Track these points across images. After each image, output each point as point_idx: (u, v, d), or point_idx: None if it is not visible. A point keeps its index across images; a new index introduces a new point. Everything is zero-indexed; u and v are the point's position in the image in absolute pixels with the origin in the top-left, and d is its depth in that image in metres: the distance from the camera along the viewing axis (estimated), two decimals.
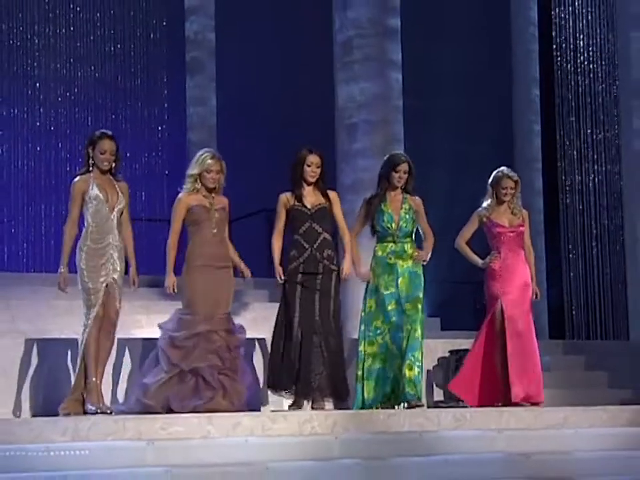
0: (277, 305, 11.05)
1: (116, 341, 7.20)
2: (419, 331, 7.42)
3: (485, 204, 7.95)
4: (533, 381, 7.74)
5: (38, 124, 14.79)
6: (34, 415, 7.48)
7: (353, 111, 10.58)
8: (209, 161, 7.03)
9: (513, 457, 6.92)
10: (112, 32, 15.10)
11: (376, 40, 10.55)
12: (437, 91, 15.00)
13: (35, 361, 7.67)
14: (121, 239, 6.93)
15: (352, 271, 7.52)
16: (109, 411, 6.72)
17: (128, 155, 14.86)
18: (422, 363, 7.48)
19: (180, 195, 7.11)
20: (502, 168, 8.09)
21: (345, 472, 6.28)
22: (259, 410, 7.26)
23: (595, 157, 14.82)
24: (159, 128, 15.22)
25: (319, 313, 7.24)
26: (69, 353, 7.61)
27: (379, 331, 7.50)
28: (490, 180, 7.98)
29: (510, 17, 15.42)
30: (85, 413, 6.74)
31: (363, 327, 7.59)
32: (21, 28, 14.78)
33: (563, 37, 15.38)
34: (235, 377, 6.95)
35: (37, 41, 14.87)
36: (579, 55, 15.17)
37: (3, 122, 14.61)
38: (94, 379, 6.74)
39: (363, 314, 7.64)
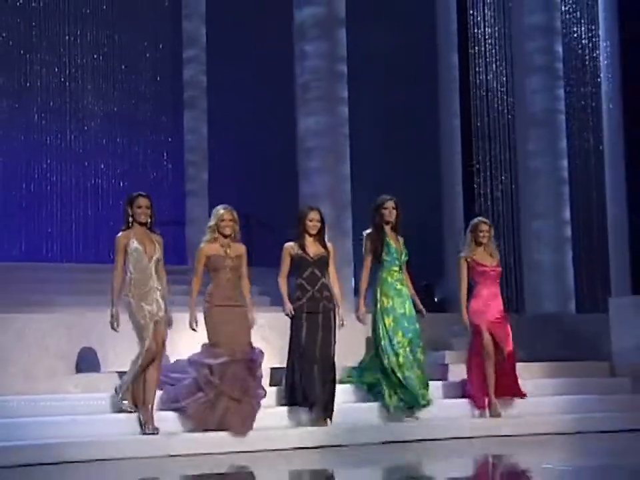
0: (259, 290, 11.10)
1: None
2: (423, 347, 7.18)
3: (465, 249, 7.57)
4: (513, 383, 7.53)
5: (69, 148, 14.75)
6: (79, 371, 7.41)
7: (310, 138, 10.53)
8: (221, 212, 6.67)
9: None
10: (127, 76, 15.05)
11: (327, 82, 10.50)
12: (377, 123, 15.04)
13: (74, 331, 7.68)
14: (160, 283, 6.48)
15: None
16: (156, 432, 6.21)
17: (140, 170, 14.97)
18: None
19: (201, 246, 6.71)
20: (477, 217, 7.87)
21: None
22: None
23: (502, 172, 14.91)
24: (163, 151, 15.18)
25: (320, 345, 6.76)
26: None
27: (400, 344, 7.02)
28: (468, 227, 7.65)
29: (437, 61, 15.45)
30: (148, 433, 6.21)
31: (384, 342, 7.06)
32: (55, 73, 14.76)
33: (478, 79, 15.43)
34: (252, 402, 6.53)
35: (67, 83, 14.81)
36: (490, 93, 15.23)
37: (43, 148, 14.58)
38: (149, 403, 6.28)
39: (381, 331, 7.10)
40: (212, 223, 6.68)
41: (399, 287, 7.14)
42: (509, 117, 14.42)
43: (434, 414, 7.19)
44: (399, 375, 6.98)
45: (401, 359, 7.01)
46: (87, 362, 7.40)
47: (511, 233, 14.46)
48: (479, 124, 15.36)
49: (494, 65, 15.12)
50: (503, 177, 14.74)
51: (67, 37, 14.85)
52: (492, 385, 7.35)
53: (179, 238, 12.96)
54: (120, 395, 6.36)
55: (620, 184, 14.42)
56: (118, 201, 14.10)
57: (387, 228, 7.18)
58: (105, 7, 14.66)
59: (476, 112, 15.37)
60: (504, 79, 14.76)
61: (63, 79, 14.84)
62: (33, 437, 5.88)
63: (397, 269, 7.16)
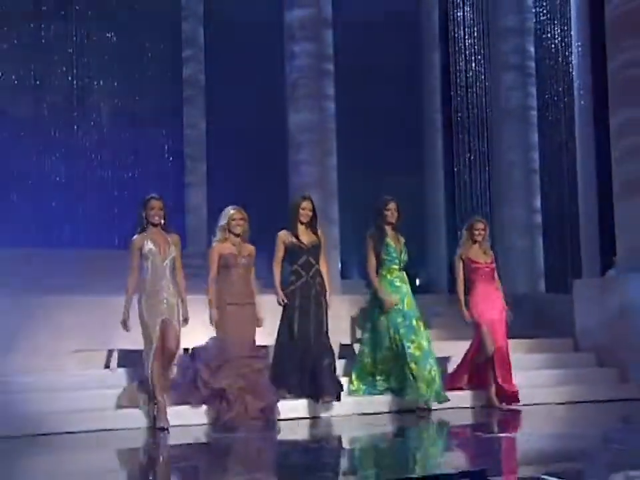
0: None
1: None
2: (426, 342, 6.72)
3: (461, 247, 7.19)
4: (508, 380, 7.08)
5: (77, 141, 14.84)
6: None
7: (299, 132, 10.57)
8: (232, 212, 6.33)
9: None
10: (130, 75, 15.10)
11: (315, 81, 10.54)
12: (363, 118, 15.07)
13: (79, 312, 7.51)
14: (174, 283, 6.09)
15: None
16: (166, 427, 5.85)
17: (143, 162, 15.01)
18: (437, 367, 6.71)
19: (213, 245, 6.36)
20: (473, 216, 7.54)
21: None
22: (277, 418, 6.27)
23: (479, 162, 14.97)
24: (165, 144, 15.24)
25: (314, 330, 6.46)
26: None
27: (389, 339, 6.68)
28: (465, 226, 7.31)
29: (421, 62, 15.50)
30: (157, 429, 5.86)
31: (371, 335, 6.83)
32: (64, 72, 14.82)
33: (458, 77, 15.50)
34: (257, 396, 6.13)
35: (75, 82, 14.90)
36: (468, 90, 15.29)
37: (53, 141, 14.67)
38: (160, 399, 5.89)
39: (372, 325, 6.84)
40: (223, 222, 6.35)
41: (397, 283, 6.84)
42: (487, 112, 14.44)
43: None
44: (381, 365, 6.80)
45: (388, 352, 6.74)
46: (88, 340, 7.35)
47: (490, 217, 14.50)
48: (459, 118, 15.41)
49: (473, 64, 15.16)
50: (480, 168, 14.78)
51: (74, 38, 14.87)
52: (492, 380, 7.00)
53: (178, 225, 13.00)
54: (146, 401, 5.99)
55: (591, 174, 14.49)
56: (122, 191, 14.23)
57: (389, 228, 6.89)
58: (110, 11, 14.70)
59: (456, 107, 15.42)
60: (482, 76, 14.76)
61: (70, 78, 14.89)
62: (32, 409, 5.98)
63: (396, 267, 6.85)
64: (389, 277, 6.83)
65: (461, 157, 15.36)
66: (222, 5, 14.69)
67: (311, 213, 6.58)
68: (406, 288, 6.86)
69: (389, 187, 14.92)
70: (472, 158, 15.05)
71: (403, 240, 6.95)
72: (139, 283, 6.04)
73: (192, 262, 7.93)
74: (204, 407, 6.14)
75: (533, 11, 13.79)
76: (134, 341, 6.41)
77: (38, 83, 14.61)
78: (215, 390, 6.02)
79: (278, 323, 6.63)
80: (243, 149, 14.42)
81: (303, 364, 6.43)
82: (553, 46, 14.82)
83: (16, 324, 7.40)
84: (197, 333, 6.43)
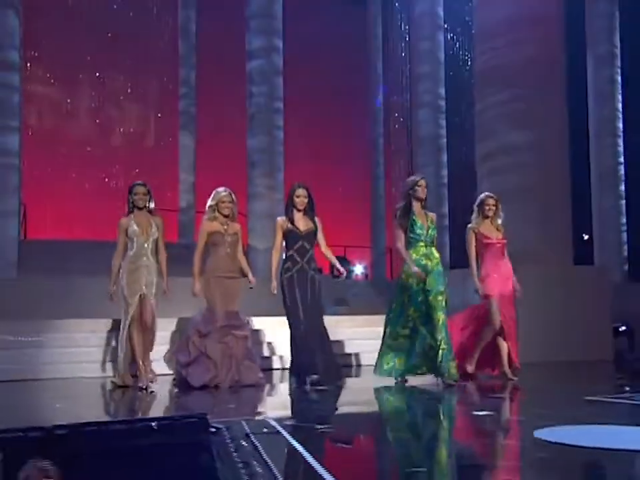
0: None
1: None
2: (443, 317, 5.59)
3: (473, 221, 6.11)
4: (514, 352, 6.02)
5: (95, 156, 15.21)
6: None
7: (255, 153, 10.84)
8: (222, 194, 5.67)
9: None
10: (139, 107, 15.53)
11: (268, 114, 10.84)
12: (315, 136, 15.37)
13: (73, 290, 7.87)
14: (154, 261, 5.60)
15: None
16: (145, 387, 5.44)
17: (147, 173, 15.34)
18: (448, 342, 5.58)
19: (203, 223, 5.72)
20: (484, 192, 6.34)
21: None
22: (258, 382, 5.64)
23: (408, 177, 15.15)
24: (164, 160, 15.48)
25: (311, 315, 5.56)
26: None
27: (410, 318, 5.66)
28: (476, 202, 6.18)
29: (367, 96, 15.75)
30: (140, 388, 5.44)
31: (393, 315, 5.76)
32: (86, 108, 15.15)
33: (396, 110, 15.75)
34: (243, 361, 5.62)
35: (96, 112, 15.35)
36: (403, 120, 15.56)
37: (69, 153, 15.08)
38: (140, 363, 5.53)
39: (396, 305, 5.76)
40: (212, 203, 5.67)
41: (423, 261, 5.70)
42: (412, 132, 14.70)
43: None
44: (399, 342, 5.77)
45: (407, 331, 5.73)
46: (75, 311, 7.51)
47: None
48: (397, 142, 15.72)
49: (403, 101, 15.45)
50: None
51: (83, 74, 15.27)
52: (505, 352, 6.00)
53: (172, 223, 13.41)
54: (118, 374, 5.63)
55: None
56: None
57: (417, 205, 5.78)
58: (124, 56, 15.17)
59: (394, 133, 15.74)
60: (408, 111, 15.03)
61: (90, 107, 15.28)
62: (26, 361, 6.30)
63: (422, 244, 5.73)
64: (415, 255, 5.71)
65: (399, 172, 15.67)
66: (208, 56, 15.16)
67: (306, 200, 5.65)
68: (432, 265, 5.72)
69: (336, 195, 15.40)
70: (403, 173, 15.34)
71: (431, 216, 5.86)
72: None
73: (182, 251, 8.23)
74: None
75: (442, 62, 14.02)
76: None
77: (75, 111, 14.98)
78: (202, 352, 5.55)
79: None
80: (219, 164, 14.80)
81: (316, 346, 5.52)
82: (463, 87, 15.02)
83: (24, 300, 7.78)
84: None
